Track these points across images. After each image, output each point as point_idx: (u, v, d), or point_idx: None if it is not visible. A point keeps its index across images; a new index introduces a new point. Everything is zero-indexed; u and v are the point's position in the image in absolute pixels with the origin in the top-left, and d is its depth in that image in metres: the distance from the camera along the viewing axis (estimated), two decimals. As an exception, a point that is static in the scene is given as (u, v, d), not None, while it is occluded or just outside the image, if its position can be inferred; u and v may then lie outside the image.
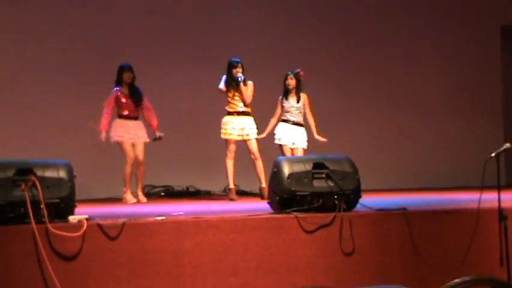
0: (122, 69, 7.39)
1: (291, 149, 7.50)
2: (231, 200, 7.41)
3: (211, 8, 9.19)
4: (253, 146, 7.43)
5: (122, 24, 8.92)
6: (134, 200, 7.42)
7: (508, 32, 9.92)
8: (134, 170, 7.44)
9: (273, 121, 7.58)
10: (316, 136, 7.49)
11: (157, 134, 7.51)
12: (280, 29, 9.31)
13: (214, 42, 9.07)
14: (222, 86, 7.39)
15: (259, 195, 7.51)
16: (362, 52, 9.59)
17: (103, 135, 7.32)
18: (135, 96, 7.38)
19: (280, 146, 7.52)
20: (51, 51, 8.71)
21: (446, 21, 9.79)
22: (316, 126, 7.52)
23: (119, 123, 7.39)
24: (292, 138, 7.50)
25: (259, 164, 7.40)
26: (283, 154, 7.48)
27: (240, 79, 7.30)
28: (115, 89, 7.38)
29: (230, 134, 7.39)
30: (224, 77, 7.39)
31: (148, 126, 7.53)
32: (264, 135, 7.49)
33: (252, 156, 7.44)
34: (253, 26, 9.25)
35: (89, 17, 8.83)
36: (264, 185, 7.38)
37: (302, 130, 7.55)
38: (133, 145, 7.39)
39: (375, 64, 9.62)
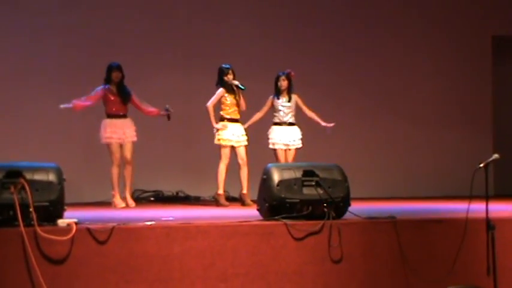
0: (110, 68, 7.39)
1: (285, 151, 7.55)
2: (221, 205, 7.39)
3: (205, 14, 9.20)
4: (243, 151, 7.46)
5: (115, 28, 8.91)
6: (123, 204, 7.40)
7: (499, 42, 9.98)
8: (122, 171, 7.42)
9: (258, 115, 7.62)
10: (324, 124, 7.62)
11: (164, 110, 7.43)
12: (274, 38, 9.33)
13: (207, 48, 9.08)
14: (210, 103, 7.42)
15: (240, 200, 7.53)
16: (354, 62, 9.61)
17: (67, 106, 7.22)
18: (123, 94, 7.38)
19: (274, 150, 7.56)
20: (40, 53, 8.69)
21: (438, 31, 9.84)
22: (320, 116, 7.64)
23: (107, 123, 7.37)
24: (286, 139, 7.55)
25: (245, 170, 7.43)
26: (277, 158, 7.52)
27: (242, 87, 7.33)
28: (104, 86, 7.35)
29: (230, 140, 7.41)
30: (217, 94, 7.40)
31: (148, 116, 7.49)
32: (245, 126, 7.49)
33: (240, 162, 7.45)
34: (246, 33, 9.26)
35: (82, 20, 8.82)
36: (245, 191, 7.42)
37: (295, 129, 7.61)
38: (120, 146, 7.38)
39: (366, 73, 9.65)
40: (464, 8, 9.91)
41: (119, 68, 7.40)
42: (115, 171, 7.34)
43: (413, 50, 9.77)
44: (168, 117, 7.48)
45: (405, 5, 9.82)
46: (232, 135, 7.42)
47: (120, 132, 7.35)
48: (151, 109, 7.56)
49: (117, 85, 7.39)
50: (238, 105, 7.44)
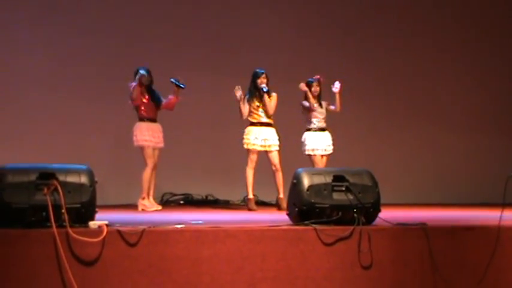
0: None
1: (321, 156, 7.54)
2: (250, 210, 7.42)
3: (234, 17, 9.24)
4: (275, 157, 7.46)
5: (144, 32, 8.98)
6: (159, 207, 7.45)
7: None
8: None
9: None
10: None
11: (174, 85, 7.36)
12: (302, 41, 9.33)
13: (236, 52, 9.10)
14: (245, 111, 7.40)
15: (276, 205, 7.52)
16: (384, 66, 9.57)
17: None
18: (154, 97, 7.43)
19: (312, 155, 7.52)
20: (69, 55, 8.79)
21: (471, 36, 9.75)
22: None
23: (144, 126, 7.40)
24: (323, 145, 7.54)
25: (280, 176, 7.43)
26: (314, 163, 7.49)
27: (264, 89, 7.35)
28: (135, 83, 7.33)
29: (253, 145, 7.42)
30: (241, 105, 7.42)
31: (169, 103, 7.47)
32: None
33: (273, 168, 7.47)
34: (275, 35, 9.28)
35: (110, 23, 8.91)
36: (281, 195, 7.41)
37: (327, 134, 7.60)
38: (153, 149, 7.42)
39: (396, 78, 9.60)
40: (499, 9, 9.79)
41: (147, 71, 7.43)
42: (149, 174, 7.37)
43: (446, 55, 9.69)
44: (178, 86, 7.34)
45: (439, 8, 9.72)
46: (255, 138, 7.41)
47: (156, 136, 7.41)
48: (170, 100, 7.43)
49: (146, 89, 7.43)
50: (264, 108, 7.43)
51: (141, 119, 7.43)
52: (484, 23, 9.79)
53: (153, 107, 7.44)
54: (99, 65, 8.83)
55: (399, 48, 9.60)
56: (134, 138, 7.41)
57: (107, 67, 8.79)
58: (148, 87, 7.44)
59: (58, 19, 8.77)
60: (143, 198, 7.42)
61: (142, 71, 7.30)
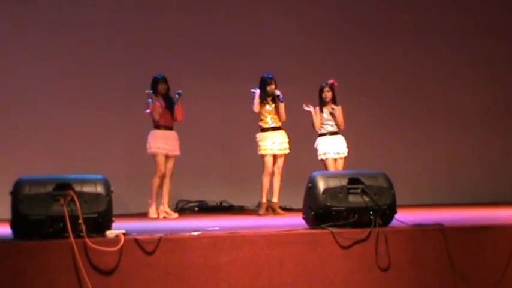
0: (157, 81, 7.45)
1: (334, 160, 7.50)
2: (259, 215, 7.42)
3: (244, 22, 9.25)
4: (281, 160, 7.46)
5: (156, 38, 9.00)
6: (176, 215, 7.46)
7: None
8: (162, 183, 7.44)
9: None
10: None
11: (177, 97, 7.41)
12: (314, 44, 9.32)
13: (248, 57, 9.11)
14: (256, 108, 7.41)
15: (271, 208, 7.52)
16: (397, 66, 9.55)
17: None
18: (171, 106, 7.45)
19: (324, 160, 7.49)
20: (83, 64, 8.81)
21: (484, 35, 9.70)
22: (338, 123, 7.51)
23: (158, 134, 7.41)
24: (335, 148, 7.50)
25: (279, 179, 7.46)
26: (327, 168, 7.47)
27: (281, 99, 7.36)
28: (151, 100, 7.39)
29: (271, 149, 7.43)
30: (256, 97, 7.41)
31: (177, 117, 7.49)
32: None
33: (276, 170, 7.47)
34: (286, 40, 9.28)
35: (121, 32, 8.93)
36: (275, 199, 7.43)
37: (339, 138, 7.56)
38: (166, 157, 7.42)
39: (410, 79, 9.57)
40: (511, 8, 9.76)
41: (164, 79, 7.47)
42: (158, 181, 7.39)
43: (459, 55, 9.66)
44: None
45: (451, 5, 9.68)
46: (273, 143, 7.42)
47: (170, 144, 7.42)
48: (178, 112, 7.45)
49: (163, 97, 7.47)
50: (277, 113, 7.44)
51: (156, 127, 7.45)
52: (496, 23, 9.74)
53: (168, 114, 7.46)
54: (112, 74, 8.85)
55: (412, 48, 9.57)
56: (148, 145, 7.44)
57: (120, 76, 8.82)
58: (165, 95, 7.47)
59: (69, 29, 8.80)
60: (149, 205, 7.44)
61: (150, 100, 7.36)
